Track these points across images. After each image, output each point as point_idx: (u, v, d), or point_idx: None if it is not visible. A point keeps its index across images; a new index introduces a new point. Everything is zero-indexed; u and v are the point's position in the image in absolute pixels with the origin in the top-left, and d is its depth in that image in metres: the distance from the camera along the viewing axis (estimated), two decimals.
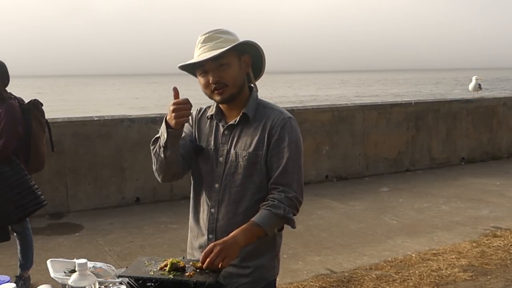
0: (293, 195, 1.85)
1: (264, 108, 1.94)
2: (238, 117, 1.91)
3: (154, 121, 6.24)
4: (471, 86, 14.77)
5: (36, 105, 3.27)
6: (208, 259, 1.68)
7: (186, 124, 2.01)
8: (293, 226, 1.89)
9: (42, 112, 3.40)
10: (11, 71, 3.56)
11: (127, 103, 37.22)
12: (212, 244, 1.72)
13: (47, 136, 3.64)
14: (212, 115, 1.98)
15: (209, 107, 2.04)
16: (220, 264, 1.69)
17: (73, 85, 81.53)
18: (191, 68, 1.93)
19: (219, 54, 1.79)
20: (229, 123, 1.93)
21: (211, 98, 1.91)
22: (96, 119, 6.08)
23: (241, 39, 1.89)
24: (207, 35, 1.86)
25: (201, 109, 2.06)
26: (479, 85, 14.78)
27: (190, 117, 2.01)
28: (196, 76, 1.95)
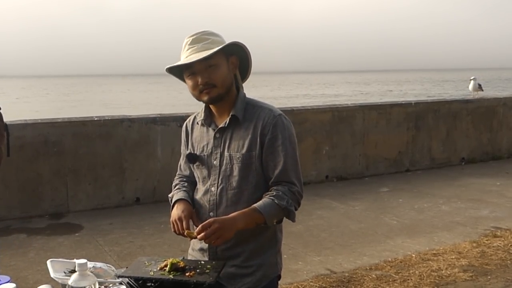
0: (296, 189, 1.88)
1: (253, 107, 1.94)
2: (228, 119, 1.91)
3: (154, 121, 6.25)
4: (470, 86, 14.78)
5: None
6: (203, 233, 1.71)
7: (184, 145, 2.08)
8: (293, 220, 1.91)
9: (0, 115, 3.25)
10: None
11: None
12: (212, 219, 1.75)
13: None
14: (201, 120, 1.99)
15: (198, 113, 2.05)
16: (213, 242, 1.73)
17: (100, 85, 79.63)
18: (178, 72, 1.93)
19: (209, 55, 1.80)
20: (220, 126, 1.94)
21: (198, 99, 1.92)
22: (96, 119, 6.08)
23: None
24: (194, 36, 1.86)
25: (190, 118, 2.08)
26: (479, 85, 14.78)
27: (184, 134, 2.08)
28: (182, 80, 1.95)
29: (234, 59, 1.91)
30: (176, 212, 1.92)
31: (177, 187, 2.07)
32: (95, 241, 4.89)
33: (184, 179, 2.09)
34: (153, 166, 6.22)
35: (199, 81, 1.84)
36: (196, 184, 2.06)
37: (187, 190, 2.03)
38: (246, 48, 1.91)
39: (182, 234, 1.85)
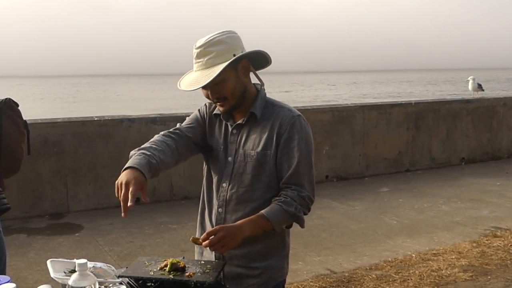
0: (306, 194, 1.85)
1: (272, 106, 1.92)
2: (246, 117, 1.90)
3: (154, 121, 6.24)
4: (470, 86, 14.78)
5: (8, 104, 3.10)
6: (208, 241, 1.70)
7: (196, 117, 2.00)
8: (302, 226, 1.89)
9: (18, 112, 3.23)
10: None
11: None
12: (219, 226, 1.74)
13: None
14: (219, 114, 1.96)
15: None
16: (218, 249, 1.72)
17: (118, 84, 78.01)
18: None
19: (210, 81, 1.76)
20: (237, 122, 1.92)
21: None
22: (96, 119, 6.08)
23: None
24: (198, 50, 1.81)
25: (210, 104, 2.01)
26: (480, 85, 14.77)
27: (199, 112, 2.02)
28: None
29: (244, 62, 1.85)
30: (125, 176, 1.83)
31: (144, 149, 1.96)
32: (95, 241, 4.89)
33: (166, 138, 1.98)
34: None
35: (210, 96, 1.86)
36: (177, 142, 1.94)
37: (153, 155, 1.91)
38: (253, 51, 1.86)
39: (123, 204, 1.77)
